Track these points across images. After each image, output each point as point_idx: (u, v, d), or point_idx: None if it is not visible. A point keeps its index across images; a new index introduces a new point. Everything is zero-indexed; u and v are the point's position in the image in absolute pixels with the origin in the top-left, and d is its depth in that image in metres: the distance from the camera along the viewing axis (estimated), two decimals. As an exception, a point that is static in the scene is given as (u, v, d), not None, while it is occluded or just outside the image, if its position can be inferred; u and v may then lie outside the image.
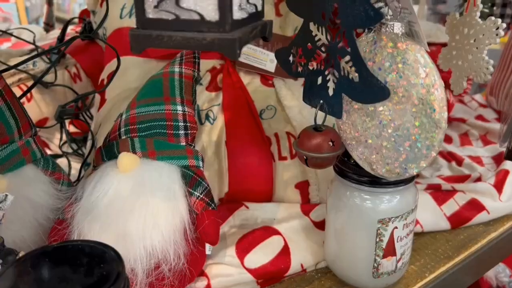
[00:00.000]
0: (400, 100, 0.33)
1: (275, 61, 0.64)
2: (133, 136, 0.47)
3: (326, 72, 0.36)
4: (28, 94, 0.72)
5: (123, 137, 0.48)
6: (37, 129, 0.49)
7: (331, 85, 0.36)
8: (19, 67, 0.71)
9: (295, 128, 0.59)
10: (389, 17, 0.33)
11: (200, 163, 0.48)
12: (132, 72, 0.62)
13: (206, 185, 0.47)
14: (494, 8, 1.09)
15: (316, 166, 0.39)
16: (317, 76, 0.37)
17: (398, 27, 0.32)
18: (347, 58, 0.33)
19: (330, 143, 0.38)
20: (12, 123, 0.44)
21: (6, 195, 0.36)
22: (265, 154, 0.57)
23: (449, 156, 0.76)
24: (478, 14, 0.50)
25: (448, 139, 0.85)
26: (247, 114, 0.60)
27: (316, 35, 0.36)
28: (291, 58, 0.40)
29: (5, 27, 1.10)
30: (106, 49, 0.68)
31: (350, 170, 0.43)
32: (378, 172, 0.37)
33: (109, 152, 0.47)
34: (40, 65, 0.74)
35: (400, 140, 0.34)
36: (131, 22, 0.65)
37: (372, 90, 0.32)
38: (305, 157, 0.38)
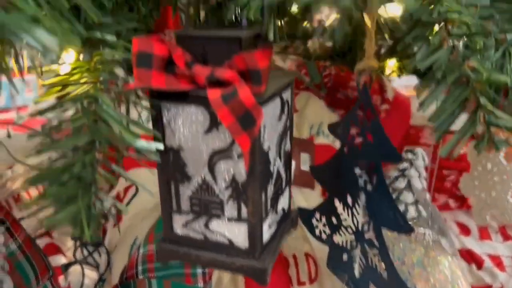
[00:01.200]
0: (432, 311, 0.32)
1: (291, 169, 0.63)
2: (150, 276, 0.46)
3: (352, 253, 0.35)
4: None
5: (140, 277, 0.47)
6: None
7: (357, 267, 0.35)
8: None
9: (313, 249, 0.58)
10: (419, 221, 0.33)
11: (218, 305, 0.47)
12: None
13: (223, 332, 0.46)
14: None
15: None
16: (342, 251, 0.36)
17: (428, 234, 0.32)
18: (375, 251, 0.32)
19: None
20: (30, 274, 0.43)
21: None
22: (283, 278, 0.56)
23: (468, 256, 0.74)
24: (502, 154, 0.49)
25: (466, 231, 0.82)
26: (264, 231, 0.59)
27: (341, 213, 0.35)
28: (314, 222, 0.39)
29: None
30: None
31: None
32: None
33: (126, 293, 0.47)
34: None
35: None
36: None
37: (403, 295, 0.31)
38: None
